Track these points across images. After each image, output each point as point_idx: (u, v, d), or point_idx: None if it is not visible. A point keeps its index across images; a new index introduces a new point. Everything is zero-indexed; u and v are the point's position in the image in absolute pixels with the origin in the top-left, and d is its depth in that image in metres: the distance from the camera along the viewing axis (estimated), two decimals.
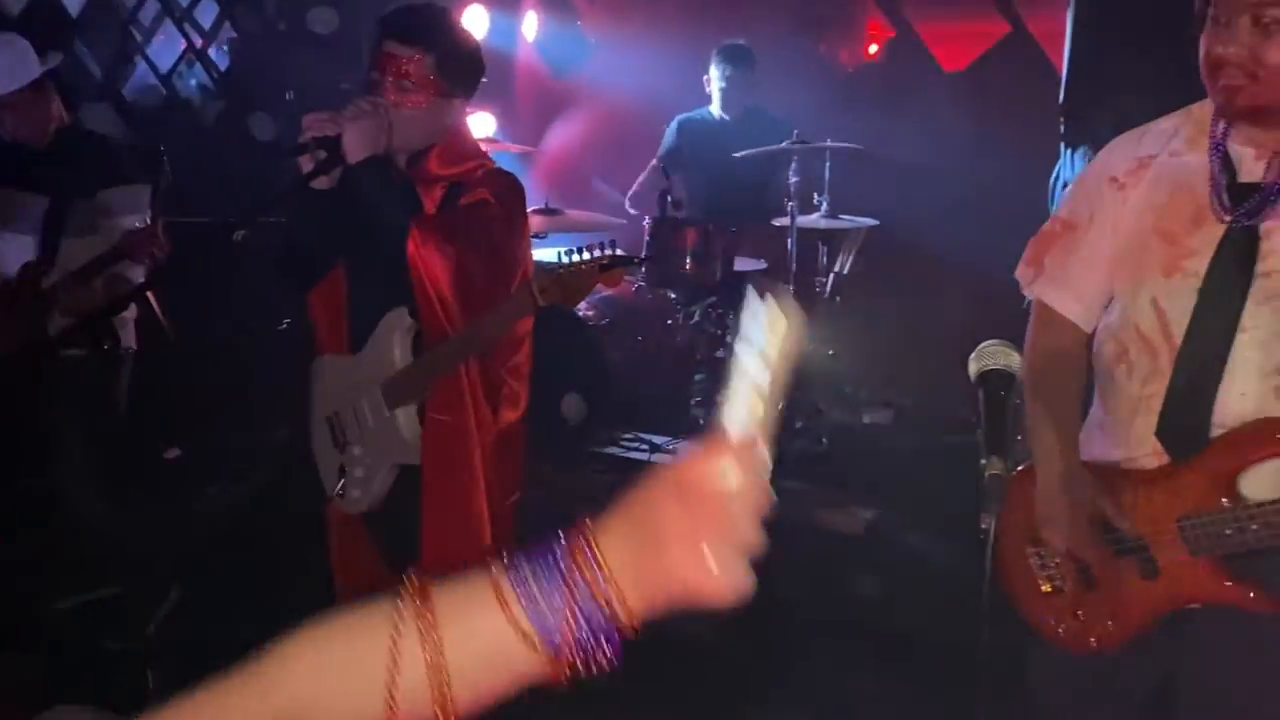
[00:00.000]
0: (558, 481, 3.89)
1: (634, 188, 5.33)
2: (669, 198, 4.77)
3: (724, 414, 0.76)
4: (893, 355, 5.03)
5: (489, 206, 2.30)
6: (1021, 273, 1.99)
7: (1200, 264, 1.71)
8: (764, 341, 0.75)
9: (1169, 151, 1.79)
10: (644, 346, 4.88)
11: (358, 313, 2.44)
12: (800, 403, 4.93)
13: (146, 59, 7.22)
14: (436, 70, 2.27)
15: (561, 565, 0.73)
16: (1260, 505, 1.64)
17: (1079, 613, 1.85)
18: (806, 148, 4.64)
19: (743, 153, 4.72)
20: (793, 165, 4.66)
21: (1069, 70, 3.56)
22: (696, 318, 4.86)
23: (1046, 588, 1.88)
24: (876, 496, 4.25)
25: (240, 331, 5.11)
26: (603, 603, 0.72)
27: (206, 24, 7.21)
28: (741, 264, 4.90)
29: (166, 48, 7.31)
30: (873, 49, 6.65)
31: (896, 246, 4.92)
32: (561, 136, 6.12)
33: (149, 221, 3.03)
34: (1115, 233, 1.83)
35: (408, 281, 2.25)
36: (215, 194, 4.40)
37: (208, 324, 5.42)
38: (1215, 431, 1.69)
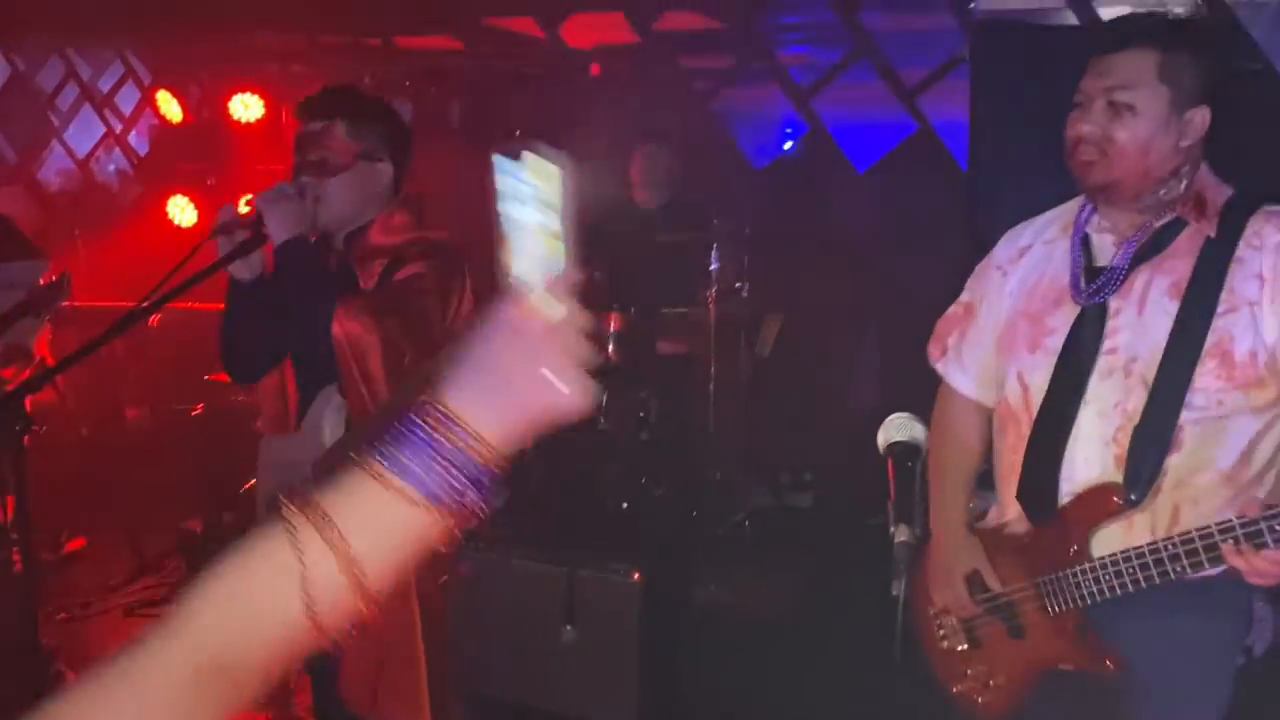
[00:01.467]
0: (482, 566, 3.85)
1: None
2: (593, 280, 4.84)
3: (518, 267, 0.83)
4: (812, 438, 5.12)
5: (423, 279, 2.30)
6: (931, 350, 2.17)
7: (1058, 341, 1.85)
8: (541, 190, 0.82)
9: (1043, 240, 1.97)
10: (566, 430, 4.88)
11: (302, 393, 2.42)
12: (723, 487, 4.98)
13: (63, 143, 7.15)
14: (350, 136, 2.30)
15: (422, 434, 0.79)
16: (1102, 560, 1.76)
17: (968, 671, 1.99)
18: (726, 235, 4.76)
19: (665, 237, 4.82)
20: (713, 251, 4.78)
21: (970, 168, 3.75)
22: (620, 401, 4.90)
23: (945, 645, 2.03)
24: (797, 579, 4.28)
25: (155, 414, 4.99)
26: (468, 450, 0.79)
27: (127, 110, 7.18)
28: (663, 348, 4.97)
29: (84, 132, 7.26)
30: (787, 145, 6.92)
31: (814, 331, 5.05)
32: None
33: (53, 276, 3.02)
34: (997, 315, 2.00)
35: (334, 360, 2.25)
36: (131, 277, 4.35)
37: (117, 407, 5.29)
38: (1064, 495, 1.82)
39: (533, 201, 0.82)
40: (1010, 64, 3.74)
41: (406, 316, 2.25)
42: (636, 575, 3.34)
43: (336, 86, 2.39)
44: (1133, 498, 1.74)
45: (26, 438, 2.13)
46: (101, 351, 2.08)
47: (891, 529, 1.40)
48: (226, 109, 6.39)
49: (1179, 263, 1.76)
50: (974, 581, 1.95)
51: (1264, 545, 1.55)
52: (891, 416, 1.49)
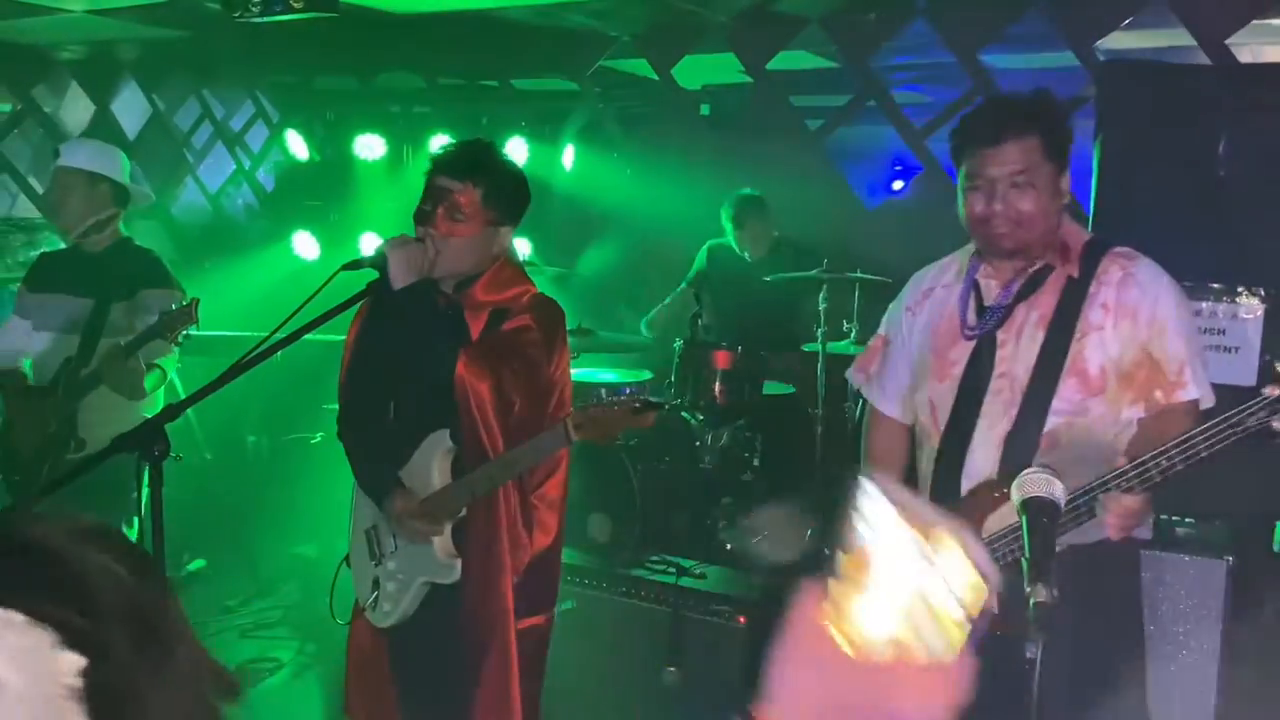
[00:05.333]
0: (584, 602, 3.85)
1: (653, 313, 5.39)
2: (699, 320, 4.84)
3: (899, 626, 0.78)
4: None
5: (530, 332, 2.36)
6: (855, 376, 2.55)
7: (960, 370, 2.22)
8: (954, 581, 0.77)
9: (942, 285, 2.34)
10: (671, 468, 4.87)
11: (403, 434, 2.48)
12: (831, 532, 4.89)
13: (197, 179, 7.51)
14: (484, 202, 2.36)
15: None
16: (990, 536, 2.03)
17: None
18: (835, 277, 4.72)
19: (773, 277, 4.80)
20: (822, 292, 4.73)
21: (1096, 205, 3.64)
22: (725, 441, 4.86)
23: None
24: None
25: (274, 441, 5.16)
26: None
27: (256, 148, 7.51)
28: (770, 389, 4.92)
29: (216, 168, 7.61)
30: (898, 185, 6.83)
31: None
32: (596, 260, 6.25)
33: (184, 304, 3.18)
34: (908, 348, 2.37)
35: (448, 403, 2.30)
36: (255, 308, 4.52)
37: (238, 433, 5.49)
38: (965, 490, 2.16)
39: (939, 580, 0.77)
40: (1139, 103, 3.63)
41: (517, 367, 2.31)
42: (742, 619, 3.30)
43: (479, 147, 2.46)
44: (1006, 490, 1.91)
45: (162, 462, 2.23)
46: (225, 379, 2.16)
47: (1027, 588, 1.35)
48: (350, 148, 6.63)
49: (1047, 298, 2.16)
50: None
51: (1130, 489, 1.86)
52: (1027, 471, 1.44)
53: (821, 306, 4.72)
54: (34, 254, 6.58)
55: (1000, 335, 2.18)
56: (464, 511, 2.37)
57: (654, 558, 4.55)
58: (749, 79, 5.76)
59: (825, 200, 5.69)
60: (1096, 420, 2.11)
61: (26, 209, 7.48)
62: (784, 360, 5.02)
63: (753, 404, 4.78)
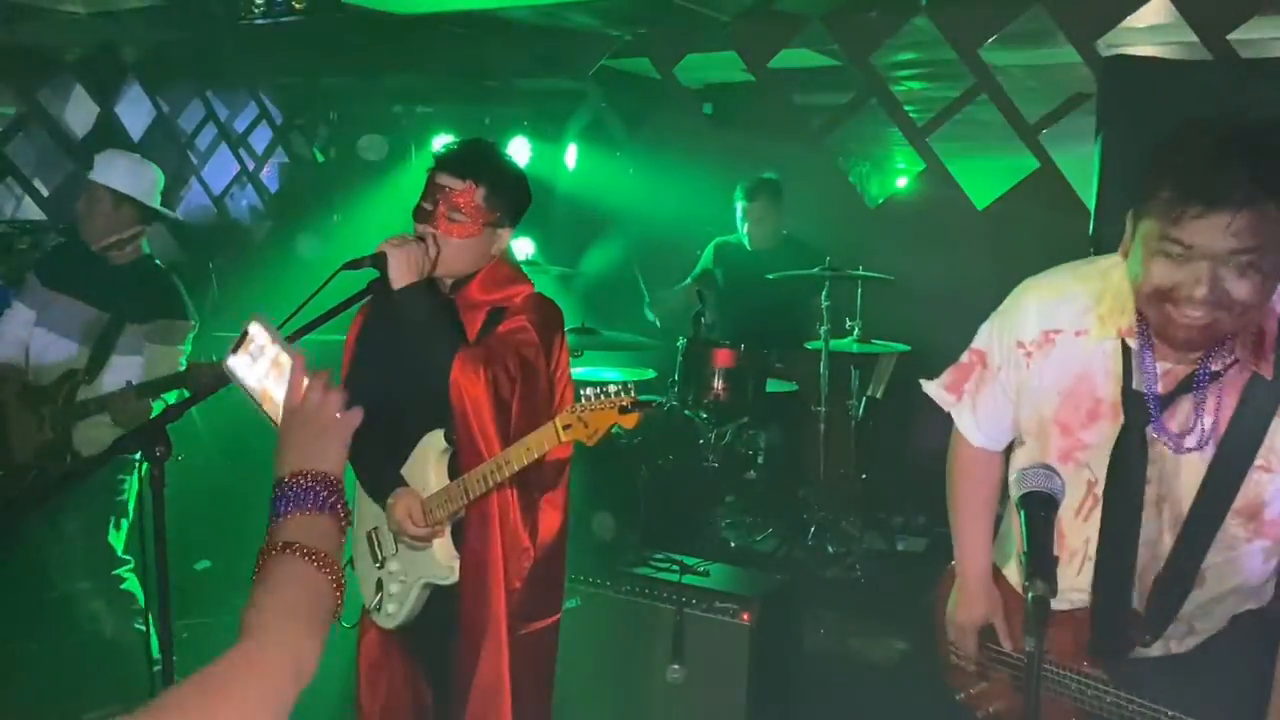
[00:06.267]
0: (587, 601, 3.85)
1: (659, 294, 5.34)
2: (702, 318, 4.84)
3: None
4: (926, 481, 4.99)
5: (526, 332, 2.35)
6: (940, 396, 2.08)
7: (1088, 456, 1.77)
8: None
9: (1075, 330, 1.77)
10: (675, 467, 4.88)
11: (401, 434, 2.48)
12: (834, 530, 4.89)
13: (201, 181, 7.53)
14: (485, 202, 2.35)
15: (296, 491, 1.31)
16: (1117, 694, 1.75)
17: (971, 690, 2.08)
18: (838, 275, 4.72)
19: (775, 275, 4.80)
20: (825, 290, 4.74)
21: (1097, 204, 3.64)
22: (728, 439, 4.87)
23: (954, 661, 2.13)
24: (910, 625, 4.16)
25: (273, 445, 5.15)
26: (323, 487, 1.35)
27: (260, 149, 7.53)
28: (773, 386, 4.93)
29: (220, 170, 7.64)
30: (900, 182, 6.83)
31: (929, 372, 4.93)
32: (599, 259, 6.26)
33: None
34: (1020, 394, 1.88)
35: (444, 404, 2.29)
36: (261, 310, 4.53)
37: (245, 433, 5.49)
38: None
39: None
40: (1141, 99, 3.63)
41: (512, 368, 2.30)
42: (746, 616, 3.30)
43: (481, 147, 2.44)
44: (1148, 638, 1.78)
45: (165, 461, 2.23)
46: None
47: (1025, 583, 1.35)
48: (353, 148, 6.65)
49: (1226, 399, 1.63)
50: (986, 632, 2.02)
51: None
52: (1026, 467, 1.44)
53: (824, 304, 4.73)
54: (38, 256, 6.57)
55: (1152, 432, 1.69)
56: (462, 513, 2.37)
57: (657, 555, 4.55)
58: (751, 77, 5.77)
59: (828, 198, 5.69)
60: (1244, 557, 1.69)
61: (31, 212, 7.50)
62: (787, 358, 5.02)
63: (756, 402, 4.78)
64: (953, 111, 5.28)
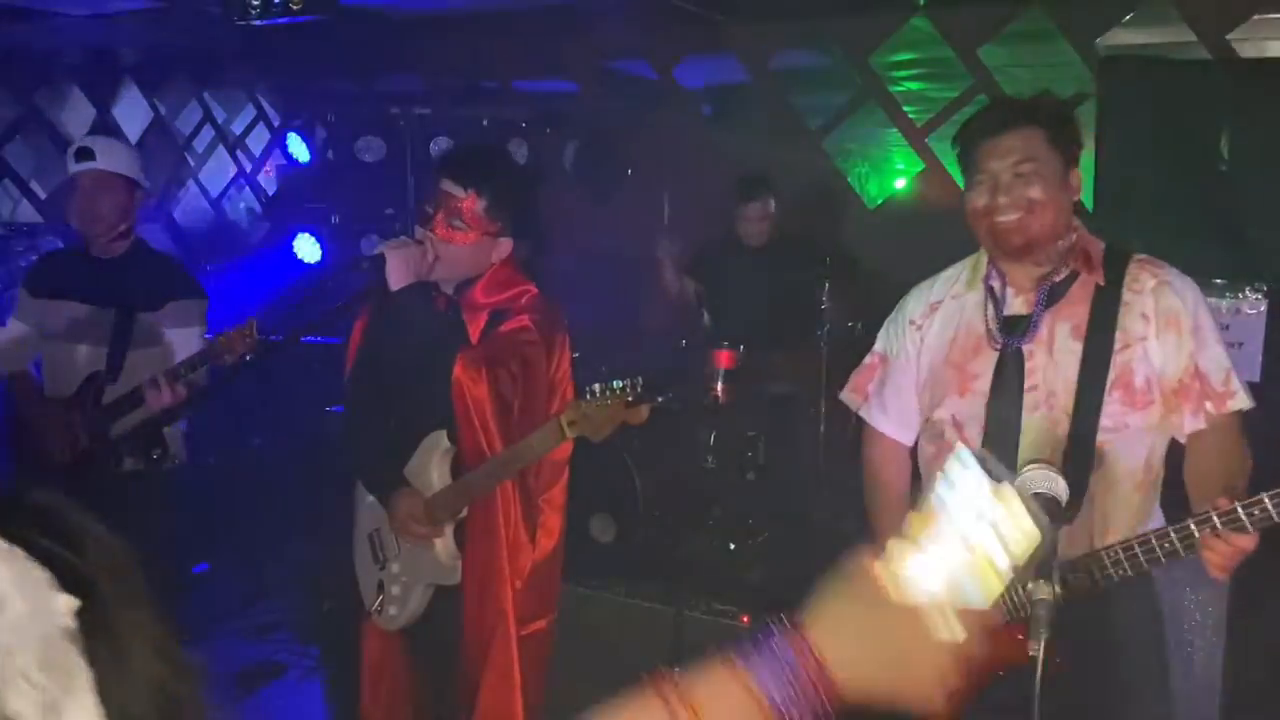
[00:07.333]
0: (586, 603, 3.85)
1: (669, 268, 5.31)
2: (703, 319, 4.83)
3: (930, 569, 0.90)
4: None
5: (528, 333, 2.35)
6: (849, 398, 2.42)
7: (984, 384, 2.09)
8: (1010, 536, 0.89)
9: (951, 295, 2.21)
10: (674, 468, 4.87)
11: (401, 435, 2.47)
12: (834, 531, 4.88)
13: (198, 183, 7.51)
14: (487, 211, 2.33)
15: (785, 653, 0.90)
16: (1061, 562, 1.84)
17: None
18: (837, 276, 4.71)
19: (776, 275, 4.79)
20: (825, 290, 4.72)
21: (1096, 201, 3.63)
22: (727, 440, 4.86)
23: None
24: None
25: (277, 444, 5.16)
26: (819, 684, 0.89)
27: (257, 151, 7.52)
28: (775, 387, 4.92)
29: (217, 172, 7.63)
30: (899, 183, 6.82)
31: None
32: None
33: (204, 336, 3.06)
34: (918, 366, 2.23)
35: (446, 405, 2.29)
36: (258, 310, 4.52)
37: (242, 436, 5.49)
38: None
39: (990, 530, 0.89)
40: (1139, 98, 3.63)
41: (514, 368, 2.29)
42: (745, 618, 3.29)
43: (487, 154, 2.44)
44: (1068, 515, 1.91)
45: (162, 465, 2.23)
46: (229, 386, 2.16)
47: (1029, 585, 1.34)
48: (351, 150, 6.62)
49: (1077, 308, 2.04)
50: None
51: (1242, 529, 1.72)
52: (1028, 467, 1.43)
53: (823, 305, 4.71)
54: (35, 258, 6.56)
55: (1026, 346, 2.06)
56: (465, 513, 2.36)
57: (656, 557, 4.55)
58: (749, 79, 5.76)
59: (827, 199, 5.68)
60: (1133, 435, 2.01)
61: (28, 214, 7.49)
62: (787, 359, 5.01)
63: (755, 403, 4.77)
64: (952, 111, 5.28)
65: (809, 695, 0.88)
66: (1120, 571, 1.88)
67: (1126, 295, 2.01)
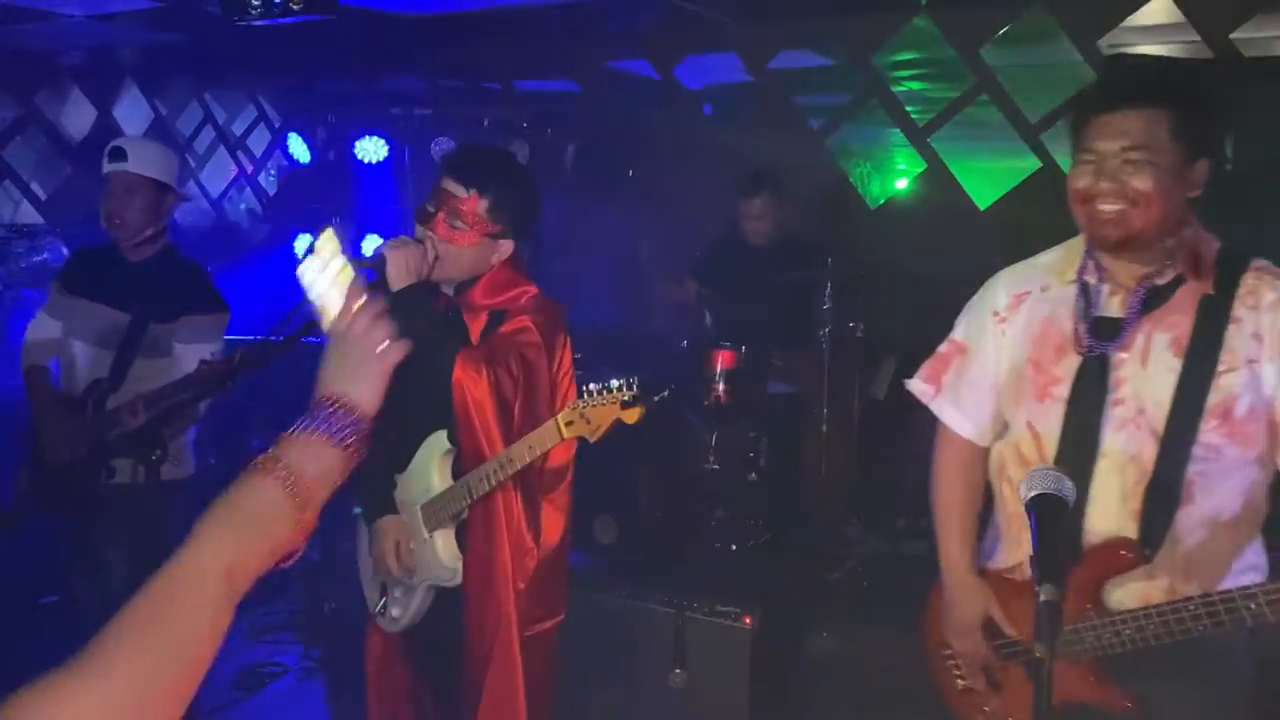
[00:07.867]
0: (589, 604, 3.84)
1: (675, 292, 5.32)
2: (705, 320, 4.82)
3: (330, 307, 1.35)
4: (928, 483, 4.96)
5: (528, 333, 2.34)
6: (920, 390, 2.18)
7: (1065, 390, 1.89)
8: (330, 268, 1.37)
9: (1040, 286, 1.99)
10: (676, 469, 4.86)
11: (403, 436, 2.46)
12: (836, 532, 4.87)
13: (199, 184, 7.51)
14: (489, 213, 2.32)
15: (320, 414, 1.23)
16: (1123, 615, 1.80)
17: (985, 708, 2.04)
18: (839, 276, 4.70)
19: (777, 275, 4.78)
20: (827, 290, 4.71)
21: None
22: (729, 441, 4.84)
23: (960, 685, 2.09)
24: (913, 628, 4.13)
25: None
26: (346, 417, 1.24)
27: (258, 151, 7.51)
28: (774, 388, 4.90)
29: (218, 173, 7.62)
30: (901, 183, 6.80)
31: None
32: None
33: (220, 354, 3.01)
34: (998, 362, 2.02)
35: (447, 405, 2.28)
36: (258, 313, 4.51)
37: (242, 435, 5.47)
38: (1086, 542, 1.86)
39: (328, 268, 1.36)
40: None
41: (514, 369, 2.28)
42: (748, 620, 3.28)
43: (491, 155, 2.42)
44: (1147, 553, 1.81)
45: (162, 467, 2.22)
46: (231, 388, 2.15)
47: (1036, 588, 1.33)
48: (352, 150, 6.62)
49: (1179, 318, 1.82)
50: (988, 628, 2.01)
51: None
52: (1037, 468, 1.42)
53: (825, 306, 4.70)
54: (36, 259, 6.53)
55: (1115, 354, 1.84)
56: (465, 514, 2.35)
57: (658, 558, 4.54)
58: (751, 78, 5.75)
59: (829, 199, 5.67)
60: (1229, 467, 1.79)
61: (29, 215, 7.48)
62: (788, 360, 5.00)
63: (757, 404, 4.76)
64: (954, 111, 5.26)
65: (355, 425, 1.23)
66: (1200, 628, 1.72)
67: (1238, 310, 1.78)
